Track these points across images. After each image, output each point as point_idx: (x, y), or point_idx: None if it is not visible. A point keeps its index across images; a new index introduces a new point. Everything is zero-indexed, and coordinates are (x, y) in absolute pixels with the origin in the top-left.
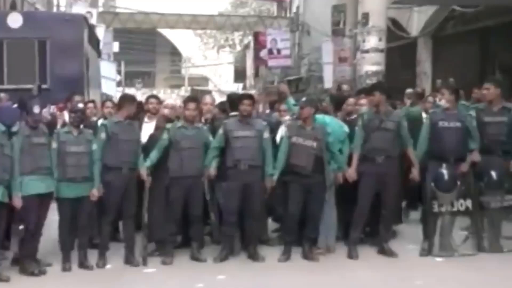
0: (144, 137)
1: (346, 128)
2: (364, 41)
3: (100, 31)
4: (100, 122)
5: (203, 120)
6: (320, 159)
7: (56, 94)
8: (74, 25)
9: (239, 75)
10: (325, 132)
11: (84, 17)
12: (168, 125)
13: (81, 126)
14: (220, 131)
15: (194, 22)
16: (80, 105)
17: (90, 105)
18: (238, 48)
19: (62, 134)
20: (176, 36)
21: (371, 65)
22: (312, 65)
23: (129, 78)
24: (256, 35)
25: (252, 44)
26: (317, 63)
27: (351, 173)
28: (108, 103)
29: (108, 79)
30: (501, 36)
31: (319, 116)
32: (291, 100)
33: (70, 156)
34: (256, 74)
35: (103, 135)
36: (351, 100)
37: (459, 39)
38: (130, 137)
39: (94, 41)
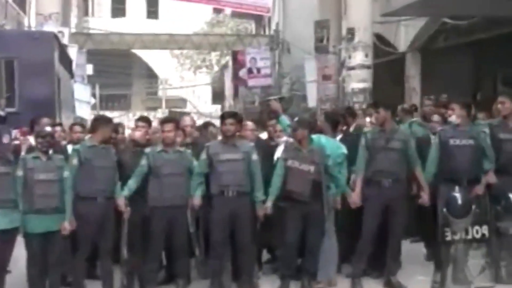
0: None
1: (344, 149)
2: (350, 57)
3: (73, 52)
4: (69, 147)
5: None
6: (318, 184)
7: (25, 118)
8: (43, 43)
9: (217, 96)
10: (324, 155)
11: (55, 35)
12: (147, 150)
13: (50, 151)
14: (203, 155)
15: (171, 42)
16: (48, 129)
17: (58, 128)
18: (216, 68)
19: (29, 160)
20: (152, 58)
21: (358, 82)
22: (294, 84)
23: (104, 101)
24: (234, 54)
25: (230, 64)
26: (299, 82)
27: (355, 198)
28: (77, 127)
29: (82, 102)
30: (501, 48)
31: (315, 137)
32: (285, 120)
33: (38, 184)
34: (236, 95)
35: (75, 161)
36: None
37: (451, 52)
38: (106, 163)
39: (66, 61)
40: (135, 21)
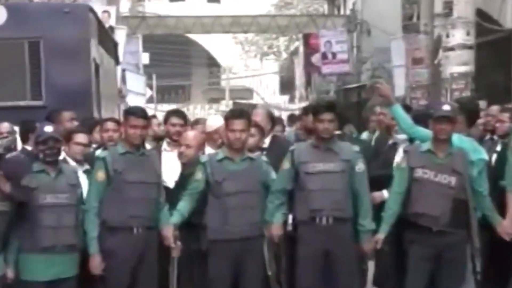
0: (166, 175)
1: (484, 154)
2: (447, 36)
3: (121, 35)
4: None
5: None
6: (462, 204)
7: None
8: (76, 19)
9: (287, 86)
10: (467, 161)
11: (90, 9)
12: (204, 157)
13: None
14: (286, 163)
15: (234, 24)
16: (49, 129)
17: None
18: (284, 55)
19: (30, 177)
20: (214, 45)
21: (458, 65)
22: (376, 70)
23: (161, 93)
24: (306, 38)
25: (301, 49)
26: (382, 67)
27: (508, 226)
28: (109, 124)
29: (136, 94)
30: None
31: (454, 137)
32: (401, 110)
33: (44, 212)
34: (308, 83)
35: (100, 175)
36: (494, 109)
37: None
38: (145, 178)
39: (109, 44)
40: (195, 4)
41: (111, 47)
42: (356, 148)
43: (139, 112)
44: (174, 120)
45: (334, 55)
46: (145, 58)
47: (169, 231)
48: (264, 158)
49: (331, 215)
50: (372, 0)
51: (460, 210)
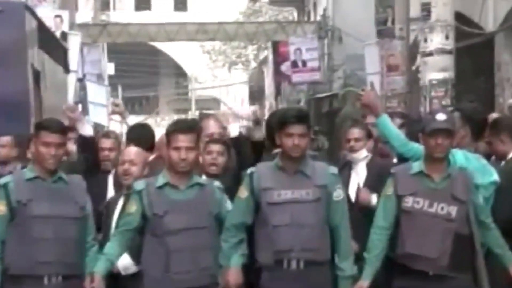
0: None
1: (495, 176)
2: (425, 40)
3: (75, 41)
4: None
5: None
6: (465, 240)
7: None
8: (9, 18)
9: (256, 96)
10: (471, 184)
11: (27, 6)
12: (138, 184)
13: None
14: (243, 191)
15: (199, 32)
16: None
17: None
18: (253, 64)
19: None
20: (181, 55)
21: (437, 71)
22: (349, 78)
23: (129, 104)
24: (275, 46)
25: (270, 58)
26: (355, 75)
27: None
28: (106, 141)
29: (97, 105)
30: None
31: (459, 154)
32: (388, 122)
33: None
34: (277, 93)
35: (0, 208)
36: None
37: None
38: (59, 211)
39: (57, 49)
40: (161, 13)
41: (58, 53)
42: (334, 169)
43: (53, 126)
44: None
45: (304, 63)
46: (110, 68)
47: (88, 283)
48: (217, 183)
49: (302, 258)
50: (343, 5)
51: (463, 248)
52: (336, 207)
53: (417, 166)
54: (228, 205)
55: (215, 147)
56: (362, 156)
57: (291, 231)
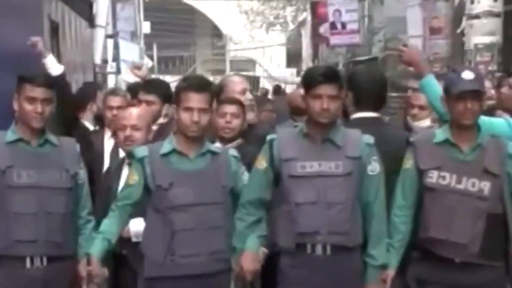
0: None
1: None
2: (472, 2)
3: None
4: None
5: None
6: (499, 222)
7: None
8: None
9: (293, 58)
10: (506, 155)
11: None
12: (140, 150)
13: None
14: (261, 161)
15: None
16: None
17: None
18: (291, 26)
19: None
20: (218, 15)
21: (483, 35)
22: (389, 41)
23: (164, 63)
24: (314, 6)
25: (309, 19)
26: (396, 39)
27: None
28: (115, 99)
29: (130, 63)
30: None
31: (485, 120)
32: (435, 83)
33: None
34: (315, 56)
35: None
36: None
37: None
38: (45, 180)
39: (80, 2)
40: None
41: (82, 6)
42: (369, 138)
43: (39, 78)
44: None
45: (343, 25)
46: (146, 27)
47: (84, 266)
48: (232, 151)
49: (329, 242)
50: None
51: (496, 231)
52: (371, 183)
53: (441, 134)
54: (246, 177)
55: (230, 108)
56: (425, 126)
57: (316, 210)
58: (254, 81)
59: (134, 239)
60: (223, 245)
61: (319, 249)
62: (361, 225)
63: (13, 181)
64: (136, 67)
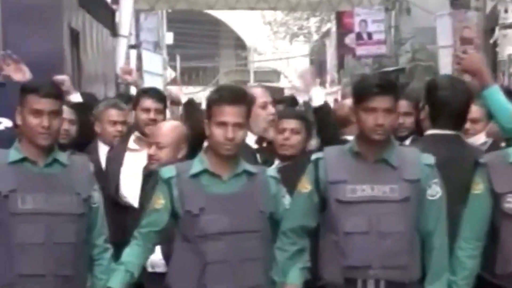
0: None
1: None
2: (506, 11)
3: (126, 4)
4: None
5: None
6: None
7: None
8: None
9: (317, 69)
10: None
11: None
12: (168, 170)
13: None
14: (305, 184)
15: (260, 1)
16: None
17: None
18: (315, 37)
19: None
20: (242, 26)
21: None
22: (417, 52)
23: (187, 74)
24: (339, 17)
25: (334, 29)
26: (423, 49)
27: None
28: (112, 111)
29: (153, 74)
30: None
31: None
32: (498, 94)
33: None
34: (340, 66)
35: None
36: None
37: None
38: (53, 206)
39: (101, 10)
40: None
41: (104, 14)
42: (429, 158)
43: (45, 88)
44: (148, 102)
45: (369, 35)
46: (169, 37)
47: None
48: (271, 172)
49: (383, 277)
50: None
51: None
52: (430, 209)
53: None
54: (287, 201)
55: (289, 123)
56: (479, 143)
57: (369, 240)
58: (278, 93)
59: (149, 269)
60: (261, 279)
61: (371, 285)
62: (419, 257)
63: (17, 207)
64: (126, 71)
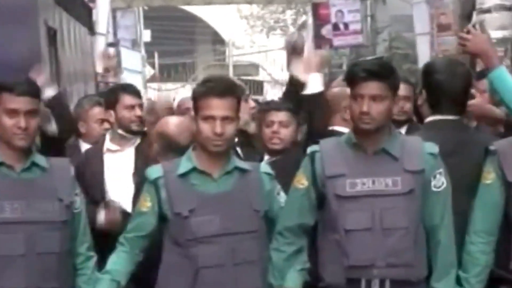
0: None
1: None
2: None
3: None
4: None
5: None
6: None
7: None
8: None
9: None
10: None
11: None
12: (154, 169)
13: None
14: (301, 178)
15: None
16: None
17: None
18: (292, 29)
19: None
20: (219, 21)
21: (495, 29)
22: (394, 41)
23: (166, 71)
24: (315, 8)
25: (310, 21)
26: (400, 37)
27: None
28: (98, 109)
29: (132, 72)
30: None
31: None
32: (505, 73)
33: None
34: None
35: None
36: None
37: None
38: (34, 213)
39: (78, 8)
40: None
41: (81, 12)
42: (433, 147)
43: (21, 87)
44: (130, 99)
45: (346, 25)
46: (146, 35)
47: None
48: (264, 168)
49: (387, 276)
50: None
51: None
52: (436, 202)
53: None
54: (282, 198)
55: (277, 116)
56: None
57: (371, 238)
58: (257, 86)
59: None
60: (258, 283)
61: (375, 285)
62: (425, 253)
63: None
64: (107, 55)
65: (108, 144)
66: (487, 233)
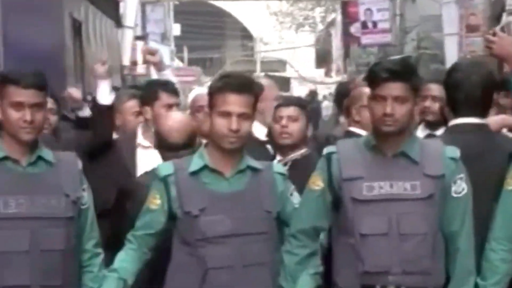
0: None
1: None
2: None
3: None
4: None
5: None
6: None
7: None
8: None
9: (322, 58)
10: None
11: None
12: (165, 166)
13: None
14: (317, 180)
15: None
16: None
17: None
18: (320, 27)
19: None
20: (248, 17)
21: None
22: (422, 41)
23: (194, 65)
24: (344, 6)
25: (339, 19)
26: (429, 37)
27: None
28: (134, 102)
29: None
30: None
31: None
32: None
33: None
34: (346, 56)
35: None
36: None
37: None
38: (37, 209)
39: (106, 1)
40: None
41: (108, 5)
42: (454, 151)
43: (26, 79)
44: (170, 98)
45: (375, 24)
46: (176, 29)
47: None
48: (278, 167)
49: (404, 284)
50: None
51: None
52: (456, 207)
53: None
54: (296, 199)
55: (286, 111)
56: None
57: (388, 243)
58: (284, 83)
59: None
60: (267, 285)
61: None
62: (443, 261)
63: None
64: (150, 52)
65: (140, 139)
66: (509, 240)
